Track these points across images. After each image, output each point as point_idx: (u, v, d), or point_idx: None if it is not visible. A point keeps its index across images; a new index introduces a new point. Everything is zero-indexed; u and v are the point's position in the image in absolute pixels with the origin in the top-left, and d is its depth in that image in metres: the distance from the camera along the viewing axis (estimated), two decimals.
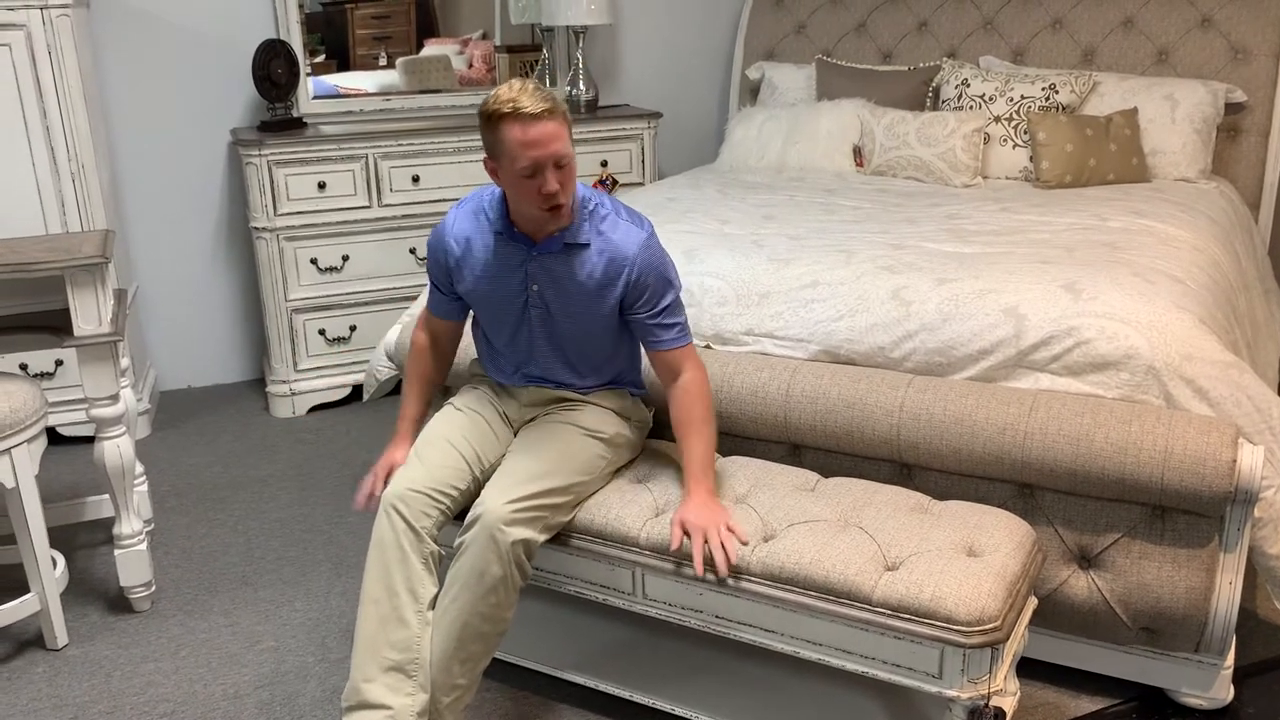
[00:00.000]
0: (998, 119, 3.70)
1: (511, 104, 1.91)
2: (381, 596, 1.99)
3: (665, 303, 2.11)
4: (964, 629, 1.78)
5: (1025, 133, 3.64)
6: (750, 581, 1.96)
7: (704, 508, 2.03)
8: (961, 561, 1.89)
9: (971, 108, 3.76)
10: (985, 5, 4.09)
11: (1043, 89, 3.68)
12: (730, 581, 1.96)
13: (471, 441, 2.15)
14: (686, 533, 2.00)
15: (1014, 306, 2.31)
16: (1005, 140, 3.68)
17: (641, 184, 4.15)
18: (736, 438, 2.42)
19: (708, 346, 2.56)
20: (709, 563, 1.96)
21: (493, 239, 2.13)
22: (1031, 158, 3.60)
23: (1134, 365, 2.17)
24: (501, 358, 2.26)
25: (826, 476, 2.26)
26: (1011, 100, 3.70)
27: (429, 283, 2.28)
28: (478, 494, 2.09)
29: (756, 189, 3.57)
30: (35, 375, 3.50)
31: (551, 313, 2.13)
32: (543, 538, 2.04)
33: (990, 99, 3.74)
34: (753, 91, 4.46)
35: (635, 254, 2.06)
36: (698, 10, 4.65)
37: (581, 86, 4.24)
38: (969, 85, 3.81)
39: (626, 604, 2.11)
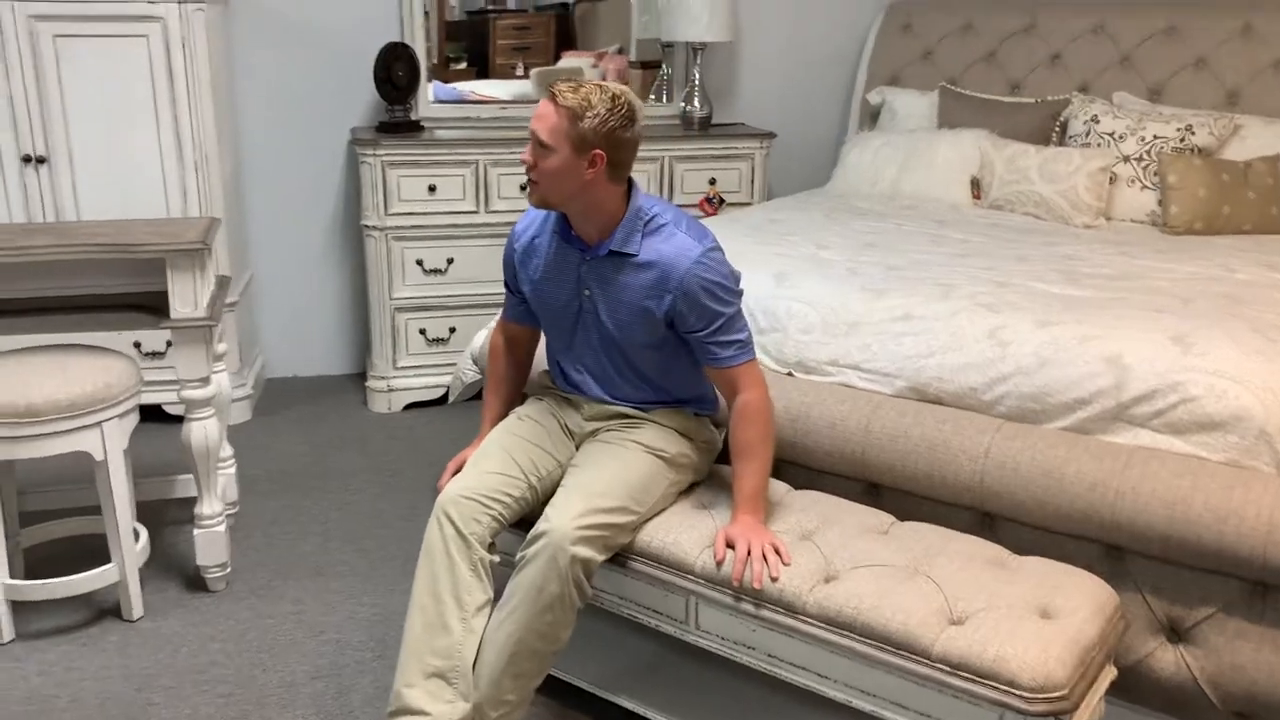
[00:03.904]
0: (1127, 158, 3.51)
1: (555, 86, 1.99)
2: (428, 602, 1.98)
3: (719, 321, 2.04)
4: (1026, 694, 1.67)
5: (1155, 174, 3.45)
6: (805, 623, 1.88)
7: (751, 527, 1.99)
8: (1033, 622, 1.77)
9: (1099, 145, 3.58)
10: (1124, 39, 3.90)
11: (1178, 129, 3.48)
12: (768, 597, 1.89)
13: (529, 451, 2.13)
14: (730, 545, 1.96)
15: (1117, 355, 2.17)
16: (1133, 181, 3.49)
17: (749, 204, 4.09)
18: (811, 471, 2.34)
19: (789, 374, 2.49)
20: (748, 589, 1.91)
21: (553, 241, 2.14)
22: (1160, 201, 3.41)
23: (1244, 428, 2.00)
24: (563, 366, 2.24)
25: (902, 519, 2.16)
26: (1143, 140, 3.51)
27: (505, 286, 2.28)
28: (534, 504, 2.08)
29: (864, 215, 3.48)
30: (147, 354, 3.64)
31: (603, 320, 2.11)
32: (602, 557, 2.00)
33: (1120, 137, 3.56)
34: (872, 116, 4.35)
35: (685, 268, 2.01)
36: (821, 32, 4.57)
37: (696, 103, 4.21)
38: (1099, 121, 3.63)
39: (678, 632, 2.05)
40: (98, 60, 3.37)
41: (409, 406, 4.01)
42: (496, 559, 2.06)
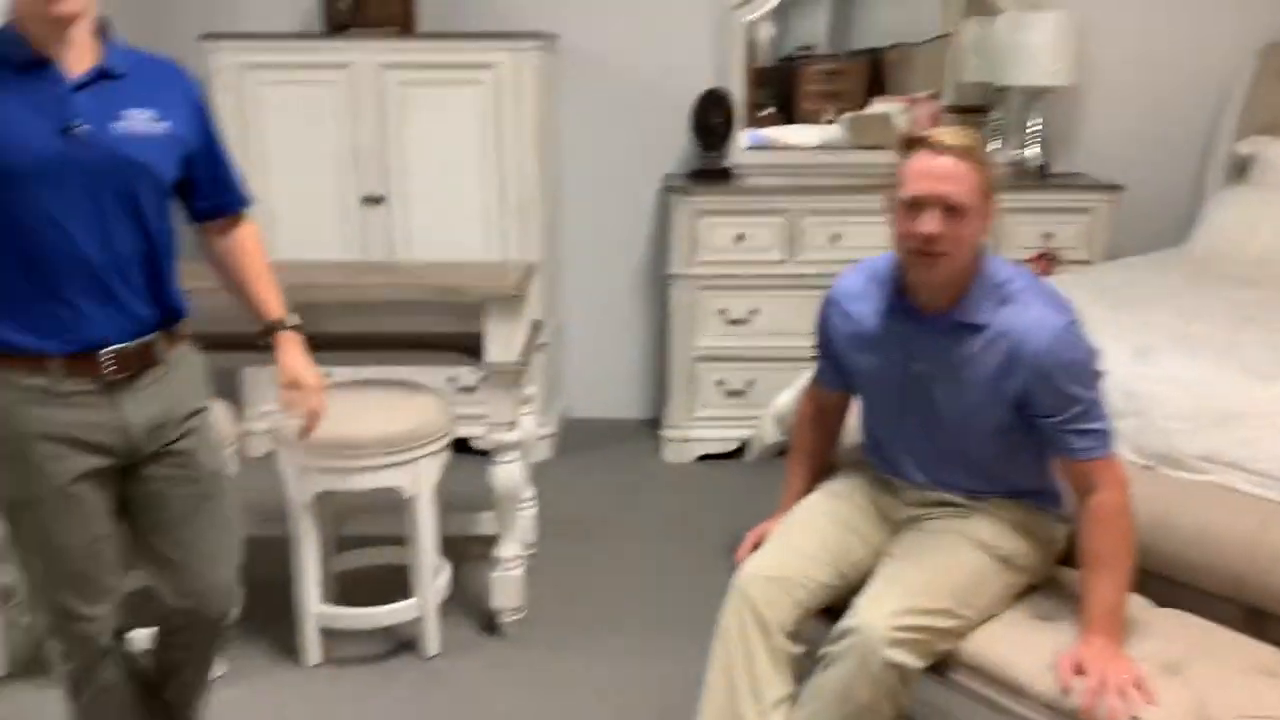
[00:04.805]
0: None
1: (929, 133, 1.74)
2: (721, 690, 1.83)
3: (1077, 407, 1.76)
4: None
5: None
6: None
7: (1106, 652, 1.68)
8: None
9: None
10: None
11: None
12: None
13: (839, 533, 1.93)
14: (1080, 671, 1.67)
15: None
16: None
17: (1089, 263, 3.69)
18: (1175, 585, 1.99)
19: (1150, 468, 2.14)
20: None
21: (881, 306, 1.92)
22: None
23: None
24: (881, 444, 2.02)
25: None
26: None
27: (817, 350, 2.10)
28: (842, 590, 1.88)
29: (1236, 283, 3.01)
30: (461, 388, 3.74)
31: (935, 400, 1.87)
32: (922, 665, 1.77)
33: None
34: (1240, 169, 3.82)
35: (1043, 344, 1.74)
36: (1179, 75, 4.08)
37: (1033, 152, 3.87)
38: None
39: None
40: (435, 106, 3.54)
41: (703, 458, 3.91)
42: (800, 650, 1.87)
